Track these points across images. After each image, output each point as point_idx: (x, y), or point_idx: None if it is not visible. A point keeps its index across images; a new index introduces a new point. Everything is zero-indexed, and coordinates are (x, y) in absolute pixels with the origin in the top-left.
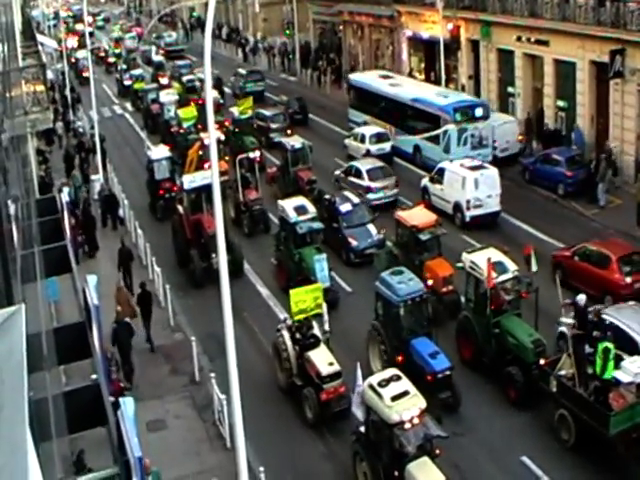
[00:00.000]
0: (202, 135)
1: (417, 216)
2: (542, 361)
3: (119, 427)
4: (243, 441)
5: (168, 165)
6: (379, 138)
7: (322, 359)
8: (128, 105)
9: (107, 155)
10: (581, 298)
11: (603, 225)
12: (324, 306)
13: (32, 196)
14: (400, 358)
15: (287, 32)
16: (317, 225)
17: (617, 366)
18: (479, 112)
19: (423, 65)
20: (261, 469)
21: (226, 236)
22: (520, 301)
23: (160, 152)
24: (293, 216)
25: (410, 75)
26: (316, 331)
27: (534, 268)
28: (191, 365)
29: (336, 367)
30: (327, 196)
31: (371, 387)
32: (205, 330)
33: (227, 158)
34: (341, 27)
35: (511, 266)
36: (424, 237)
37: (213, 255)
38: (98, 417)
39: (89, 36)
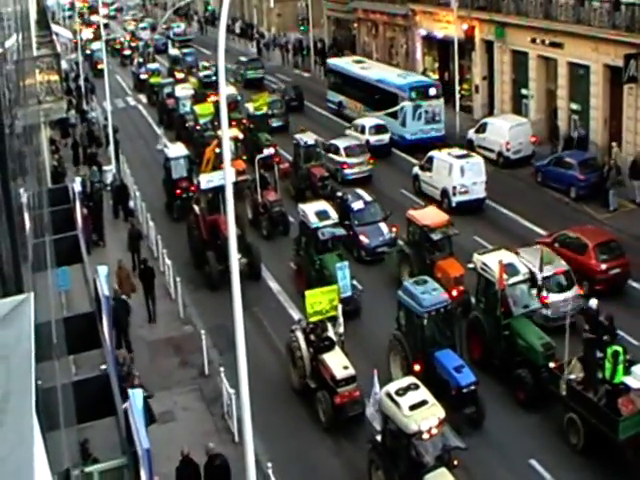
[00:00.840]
0: (220, 133)
1: (429, 215)
2: (552, 364)
3: (127, 418)
4: (251, 435)
5: (186, 164)
6: (378, 129)
7: (337, 362)
8: (142, 97)
9: (119, 146)
10: (593, 302)
11: (615, 229)
12: (339, 308)
13: (44, 185)
14: (418, 367)
15: (302, 28)
16: (339, 231)
17: (628, 371)
18: (432, 91)
19: (437, 65)
20: (269, 464)
21: (244, 238)
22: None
23: (177, 150)
24: (314, 221)
25: (424, 74)
26: (331, 333)
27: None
28: (201, 358)
29: (351, 371)
30: (339, 193)
31: (389, 395)
32: (215, 323)
33: (244, 157)
34: (355, 24)
35: (522, 268)
36: (436, 237)
37: None
38: (107, 407)
39: (104, 27)
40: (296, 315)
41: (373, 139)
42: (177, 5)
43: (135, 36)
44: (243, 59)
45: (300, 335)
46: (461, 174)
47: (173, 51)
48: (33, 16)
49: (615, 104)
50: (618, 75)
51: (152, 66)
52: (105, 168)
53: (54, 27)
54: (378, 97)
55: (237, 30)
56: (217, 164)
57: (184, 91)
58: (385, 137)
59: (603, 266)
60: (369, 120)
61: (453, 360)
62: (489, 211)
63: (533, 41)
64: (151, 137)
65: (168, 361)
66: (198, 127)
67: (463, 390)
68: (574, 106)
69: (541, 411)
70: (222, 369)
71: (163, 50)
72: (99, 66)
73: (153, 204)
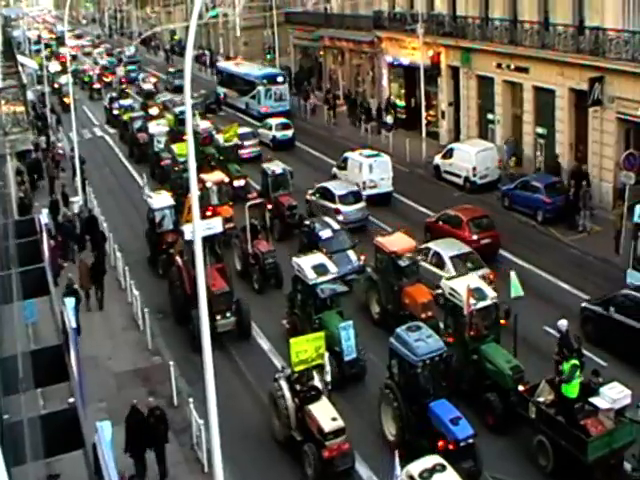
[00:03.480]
0: (203, 176)
1: (396, 242)
2: (521, 387)
3: (96, 451)
4: (221, 464)
5: (171, 215)
6: (283, 127)
7: (324, 413)
8: (109, 128)
9: (86, 177)
10: (562, 323)
11: (582, 252)
12: (326, 356)
13: (10, 217)
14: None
15: (268, 56)
16: (341, 287)
17: (596, 392)
18: (279, 79)
19: (403, 91)
20: None
21: (231, 294)
22: (499, 328)
23: (162, 200)
24: (312, 277)
25: (388, 102)
26: (317, 382)
27: (514, 294)
28: (169, 388)
29: (340, 422)
30: (307, 222)
31: (411, 479)
32: (184, 353)
33: (231, 203)
34: (322, 52)
35: (490, 293)
36: (403, 263)
37: (218, 317)
38: (75, 440)
39: (72, 59)
40: (279, 363)
41: (279, 134)
42: (143, 35)
43: (109, 70)
44: (171, 70)
45: (284, 384)
46: (370, 171)
47: (146, 85)
48: None
49: (581, 128)
50: (583, 99)
51: (125, 102)
52: (72, 199)
53: (20, 58)
54: (244, 86)
55: (207, 62)
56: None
57: (159, 127)
58: (289, 132)
59: (475, 237)
60: (276, 120)
61: (449, 411)
62: None
63: (499, 66)
64: (118, 168)
65: (136, 392)
66: (177, 168)
67: (460, 444)
68: (540, 130)
69: (510, 434)
70: (191, 399)
71: (133, 81)
72: (65, 100)
73: (121, 234)
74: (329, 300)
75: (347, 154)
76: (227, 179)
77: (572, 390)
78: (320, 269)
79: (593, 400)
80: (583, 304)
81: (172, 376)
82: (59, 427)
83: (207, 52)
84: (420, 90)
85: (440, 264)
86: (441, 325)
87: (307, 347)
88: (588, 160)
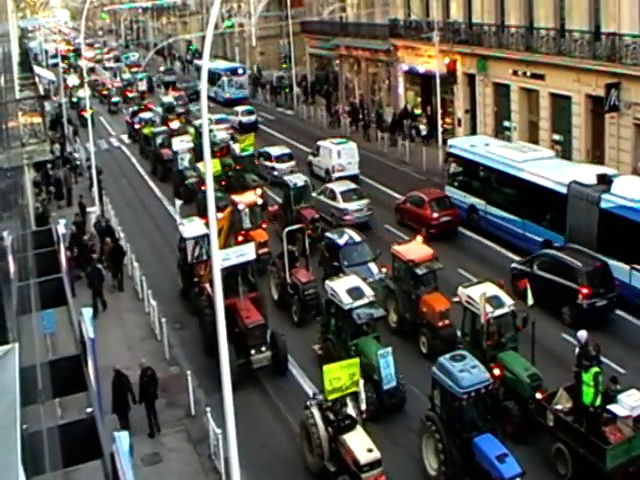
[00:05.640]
0: (235, 198)
1: (414, 250)
2: (539, 395)
3: (114, 461)
4: (239, 474)
5: (205, 244)
6: (248, 113)
7: (359, 444)
8: (128, 140)
9: (103, 187)
10: (582, 335)
11: None
12: (361, 383)
13: (28, 228)
14: None
15: (284, 65)
16: (378, 312)
17: (614, 400)
18: (240, 71)
19: (419, 99)
20: None
21: (266, 326)
22: (517, 335)
23: (195, 228)
24: (347, 301)
25: (405, 109)
26: (351, 410)
27: (530, 302)
28: (187, 398)
29: (376, 454)
30: (327, 234)
31: None
32: (201, 364)
33: (264, 226)
34: (337, 61)
35: (507, 300)
36: (421, 271)
37: (252, 352)
38: (93, 450)
39: (90, 72)
40: (310, 389)
41: (245, 119)
42: (159, 45)
43: (130, 85)
44: (162, 69)
45: (317, 412)
46: (338, 156)
47: (167, 98)
48: (15, 58)
49: (597, 134)
50: (600, 105)
51: (145, 115)
52: (89, 209)
53: (36, 69)
54: (214, 77)
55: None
56: (232, 236)
57: (182, 144)
58: (252, 117)
59: (435, 215)
60: (241, 107)
61: (495, 447)
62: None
63: (515, 73)
64: (135, 179)
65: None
66: (203, 187)
67: None
68: (556, 137)
69: (529, 442)
70: (208, 409)
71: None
72: (84, 114)
73: (137, 244)
74: (365, 325)
75: (319, 142)
76: (260, 200)
77: (589, 397)
78: (355, 292)
79: (611, 407)
80: (513, 264)
81: (190, 386)
82: (77, 437)
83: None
84: (436, 98)
85: (333, 197)
86: (458, 333)
87: (341, 374)
88: (604, 166)
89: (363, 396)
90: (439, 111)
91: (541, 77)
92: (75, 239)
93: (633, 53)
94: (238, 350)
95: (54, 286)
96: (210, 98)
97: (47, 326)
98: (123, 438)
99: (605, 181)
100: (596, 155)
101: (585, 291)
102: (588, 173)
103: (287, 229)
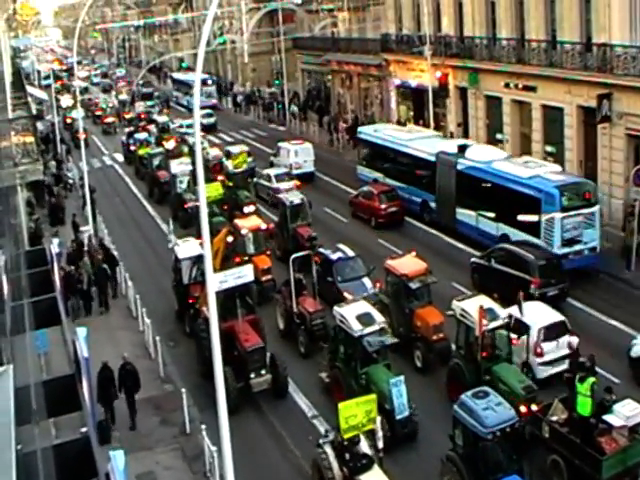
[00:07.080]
0: (237, 222)
1: (407, 265)
2: (534, 407)
3: None
4: None
5: (201, 265)
6: (208, 115)
7: None
8: (117, 156)
9: (96, 206)
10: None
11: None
12: (378, 420)
13: (22, 247)
14: None
15: (276, 82)
16: (390, 339)
17: (609, 410)
18: (209, 82)
19: (412, 113)
20: None
21: (266, 349)
22: (510, 347)
23: (190, 249)
24: (357, 328)
25: (398, 123)
26: (366, 448)
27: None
28: (181, 416)
29: None
30: (320, 249)
31: None
32: (195, 381)
33: (268, 252)
34: (329, 76)
35: (502, 313)
36: (414, 286)
37: (252, 375)
38: (88, 470)
39: (83, 92)
40: (322, 426)
41: (205, 121)
42: (151, 63)
43: (125, 105)
44: (140, 81)
45: (330, 451)
46: (295, 155)
47: (161, 118)
48: (8, 78)
49: (589, 145)
50: (592, 116)
51: (140, 136)
52: (82, 229)
53: (29, 88)
54: (186, 88)
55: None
56: (228, 257)
57: (181, 167)
58: (212, 119)
59: (383, 206)
60: (202, 111)
61: None
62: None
63: (506, 86)
64: (128, 198)
65: (148, 420)
66: None
67: None
68: (549, 148)
69: (524, 454)
70: (203, 426)
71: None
72: (79, 136)
73: (130, 262)
74: (375, 352)
75: (280, 143)
76: (264, 225)
77: (586, 408)
78: (365, 319)
79: (607, 418)
80: (472, 259)
81: (184, 404)
82: (72, 457)
83: None
84: (429, 112)
85: (269, 179)
86: (453, 347)
87: (357, 411)
88: (597, 177)
89: (380, 434)
90: (432, 125)
91: (533, 89)
92: (71, 259)
93: (624, 63)
94: (237, 373)
95: (48, 305)
96: (183, 106)
97: (41, 346)
98: (118, 457)
99: (463, 150)
100: (589, 166)
101: (537, 281)
102: (453, 145)
103: (293, 256)
